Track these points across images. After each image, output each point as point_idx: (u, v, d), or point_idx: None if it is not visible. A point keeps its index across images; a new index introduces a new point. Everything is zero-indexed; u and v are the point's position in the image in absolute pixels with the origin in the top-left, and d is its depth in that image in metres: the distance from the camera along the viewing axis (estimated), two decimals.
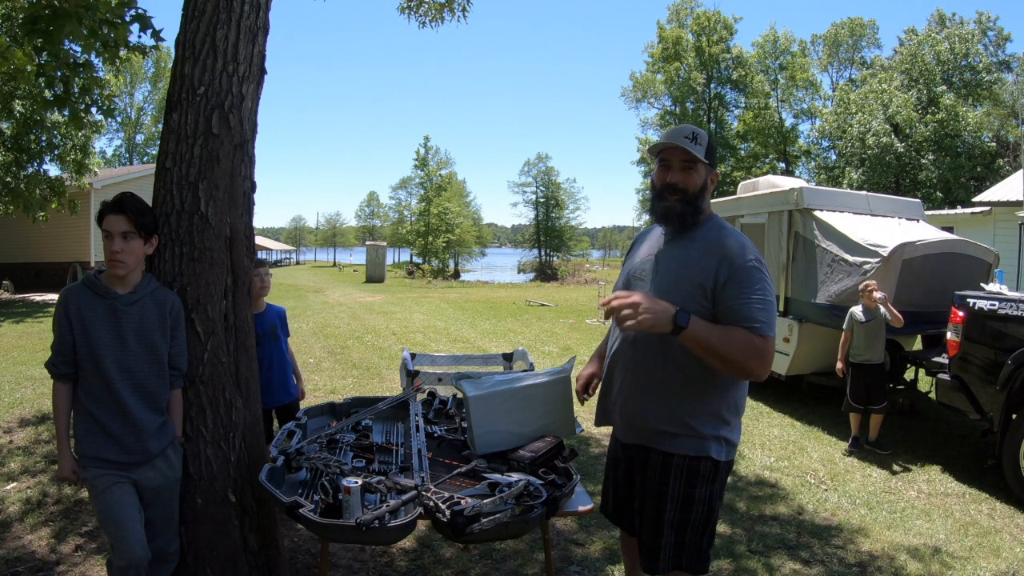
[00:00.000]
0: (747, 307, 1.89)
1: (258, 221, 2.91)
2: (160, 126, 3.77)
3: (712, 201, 8.85)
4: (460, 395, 2.72)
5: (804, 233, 6.30)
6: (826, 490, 4.43)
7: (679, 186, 2.02)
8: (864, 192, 7.29)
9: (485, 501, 2.07)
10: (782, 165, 37.06)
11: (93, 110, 5.08)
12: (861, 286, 5.35)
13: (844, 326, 5.42)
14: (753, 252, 1.98)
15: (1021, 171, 15.02)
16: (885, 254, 5.42)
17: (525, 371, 3.12)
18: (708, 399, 2.00)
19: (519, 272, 56.54)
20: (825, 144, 35.33)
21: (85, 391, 2.19)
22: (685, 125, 2.10)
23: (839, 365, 5.52)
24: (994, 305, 4.62)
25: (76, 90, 4.58)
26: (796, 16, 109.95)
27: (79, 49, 4.12)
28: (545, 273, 47.42)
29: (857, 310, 5.34)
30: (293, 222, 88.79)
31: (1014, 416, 4.45)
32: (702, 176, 2.04)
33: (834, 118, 31.38)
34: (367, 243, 34.94)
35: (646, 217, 40.11)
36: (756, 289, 1.91)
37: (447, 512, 2.00)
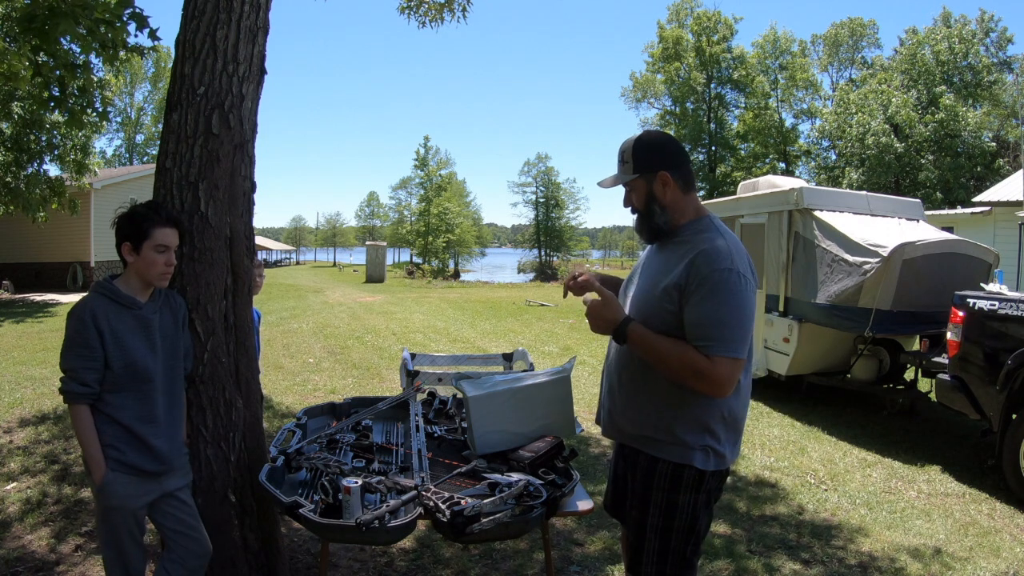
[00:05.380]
0: (701, 325, 1.83)
1: (258, 221, 2.91)
2: (160, 126, 3.76)
3: (712, 201, 8.80)
4: (460, 395, 2.72)
5: (804, 233, 6.30)
6: (826, 490, 4.43)
7: (633, 209, 2.08)
8: (864, 192, 7.29)
9: (485, 501, 2.07)
10: (782, 165, 37.06)
11: (88, 111, 5.05)
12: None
13: None
14: (727, 259, 1.83)
15: (1021, 171, 15.02)
16: (885, 254, 5.42)
17: (525, 371, 3.12)
18: (692, 407, 1.93)
19: (519, 272, 56.63)
20: (825, 144, 35.36)
21: (117, 405, 2.08)
22: (620, 145, 2.07)
23: None
24: (994, 305, 4.62)
25: (75, 91, 4.57)
26: (796, 16, 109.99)
27: (78, 49, 4.11)
28: (545, 273, 47.46)
29: None
30: (293, 222, 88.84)
31: (1014, 416, 4.45)
32: (643, 188, 2.01)
33: (834, 118, 31.38)
34: (367, 243, 34.95)
35: None
36: (719, 301, 1.80)
37: (447, 512, 2.00)
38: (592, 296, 2.04)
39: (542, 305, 17.10)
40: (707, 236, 1.93)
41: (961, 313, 4.82)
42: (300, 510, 2.03)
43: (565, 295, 2.24)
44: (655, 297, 1.94)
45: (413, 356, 3.34)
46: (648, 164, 1.99)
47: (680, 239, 1.99)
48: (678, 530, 1.98)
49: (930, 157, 27.30)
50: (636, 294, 2.06)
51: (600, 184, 2.13)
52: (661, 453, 1.98)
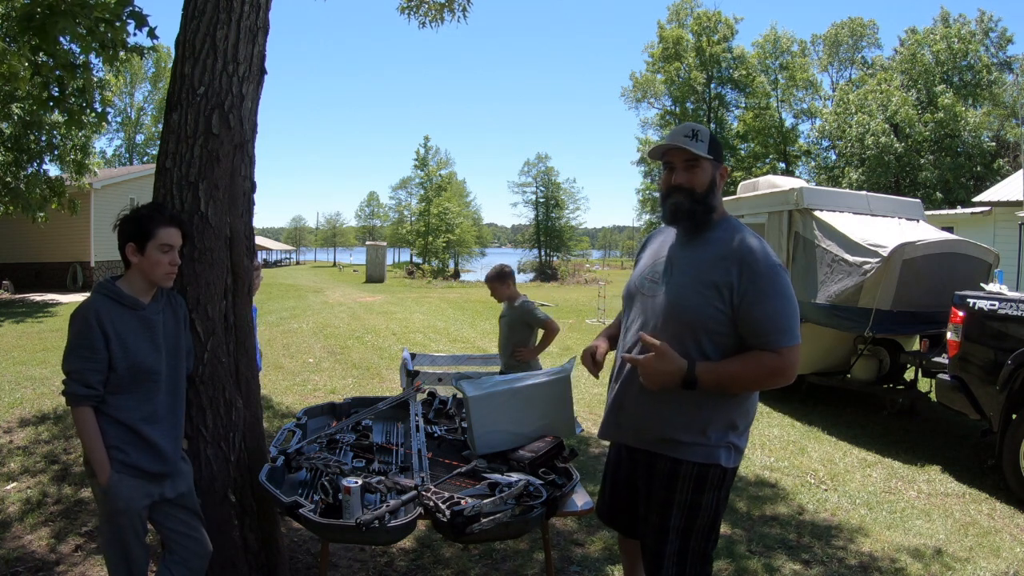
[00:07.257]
0: (766, 321, 1.87)
1: (258, 221, 2.92)
2: (160, 126, 3.75)
3: None
4: (460, 395, 2.72)
5: (804, 233, 6.30)
6: (826, 490, 4.43)
7: (684, 186, 2.00)
8: (864, 192, 7.28)
9: (485, 501, 2.07)
10: (782, 165, 37.06)
11: (87, 111, 5.04)
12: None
13: None
14: (770, 255, 1.94)
15: (1021, 171, 15.02)
16: (885, 254, 5.42)
17: (525, 371, 3.12)
18: (725, 408, 1.97)
19: (519, 272, 56.55)
20: (825, 144, 35.38)
21: (120, 406, 2.08)
22: (685, 124, 2.08)
23: None
24: (994, 305, 4.62)
25: (75, 91, 4.56)
26: (796, 16, 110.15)
27: (78, 49, 4.11)
28: (545, 273, 47.46)
29: None
30: (293, 222, 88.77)
31: (1014, 416, 4.44)
32: (708, 173, 2.00)
33: (834, 118, 31.40)
34: (367, 243, 34.95)
35: (646, 217, 40.18)
36: (777, 294, 1.89)
37: (447, 512, 2.00)
38: (642, 355, 1.92)
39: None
40: (742, 236, 1.98)
41: (961, 313, 4.82)
42: (300, 510, 2.03)
43: (597, 375, 2.28)
44: (699, 292, 1.93)
45: (413, 356, 3.35)
46: (718, 153, 2.03)
47: (712, 235, 2.01)
48: (699, 529, 1.99)
49: (930, 157, 27.32)
50: (673, 290, 1.99)
51: (678, 144, 1.98)
52: (685, 455, 1.97)
